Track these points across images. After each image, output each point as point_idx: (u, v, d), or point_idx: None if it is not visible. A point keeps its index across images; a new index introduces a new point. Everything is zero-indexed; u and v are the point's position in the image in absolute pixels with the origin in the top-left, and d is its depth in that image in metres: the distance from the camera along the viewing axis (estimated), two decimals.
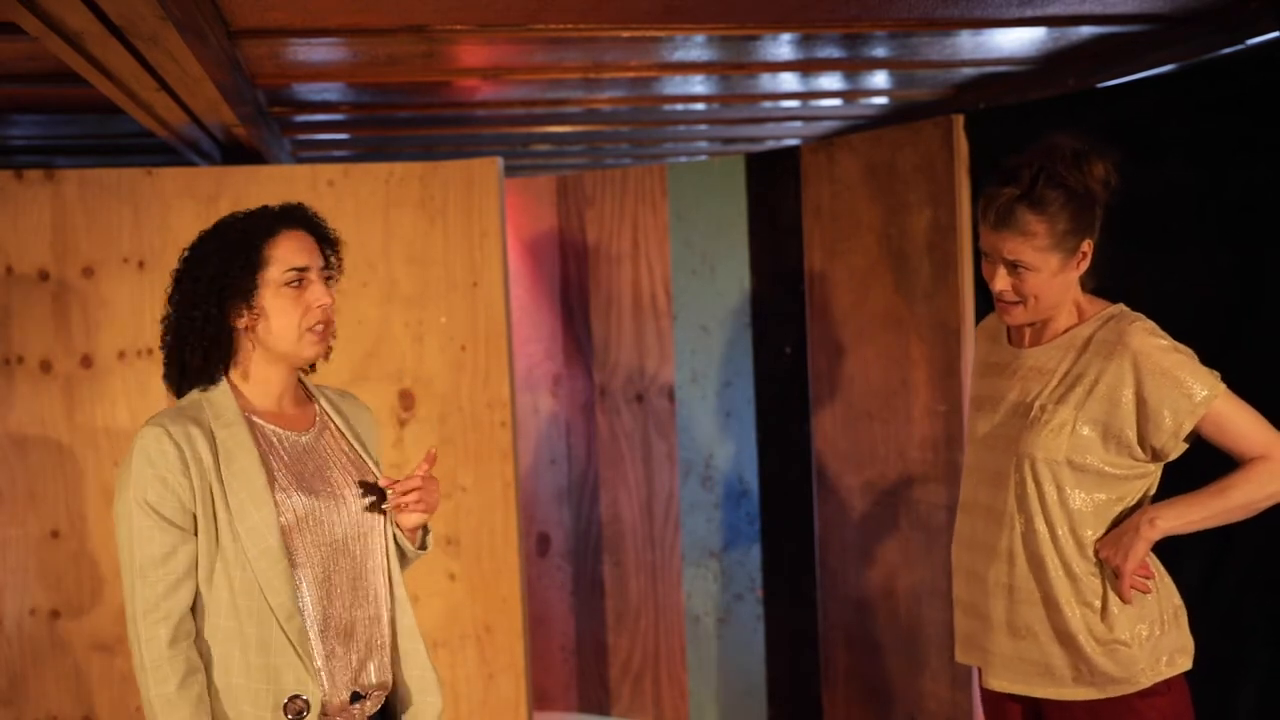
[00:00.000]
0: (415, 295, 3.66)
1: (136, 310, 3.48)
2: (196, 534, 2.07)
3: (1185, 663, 2.37)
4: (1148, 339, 2.30)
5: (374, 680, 2.19)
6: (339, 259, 2.25)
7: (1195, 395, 2.25)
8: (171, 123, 3.12)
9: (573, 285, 4.93)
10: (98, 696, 3.49)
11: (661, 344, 4.76)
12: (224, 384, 2.16)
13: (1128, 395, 2.29)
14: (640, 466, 4.83)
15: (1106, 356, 2.32)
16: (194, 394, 2.16)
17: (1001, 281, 2.36)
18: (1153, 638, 2.34)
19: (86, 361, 3.46)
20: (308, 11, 2.30)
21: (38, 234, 3.43)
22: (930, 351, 3.79)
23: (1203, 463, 2.31)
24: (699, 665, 4.80)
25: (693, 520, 4.76)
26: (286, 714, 2.06)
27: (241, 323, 2.14)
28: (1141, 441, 2.30)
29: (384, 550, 2.24)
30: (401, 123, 3.87)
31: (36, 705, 3.46)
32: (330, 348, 2.21)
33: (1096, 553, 2.35)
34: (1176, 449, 2.30)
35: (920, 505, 3.88)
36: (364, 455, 2.26)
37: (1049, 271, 2.33)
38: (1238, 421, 2.28)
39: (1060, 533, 2.35)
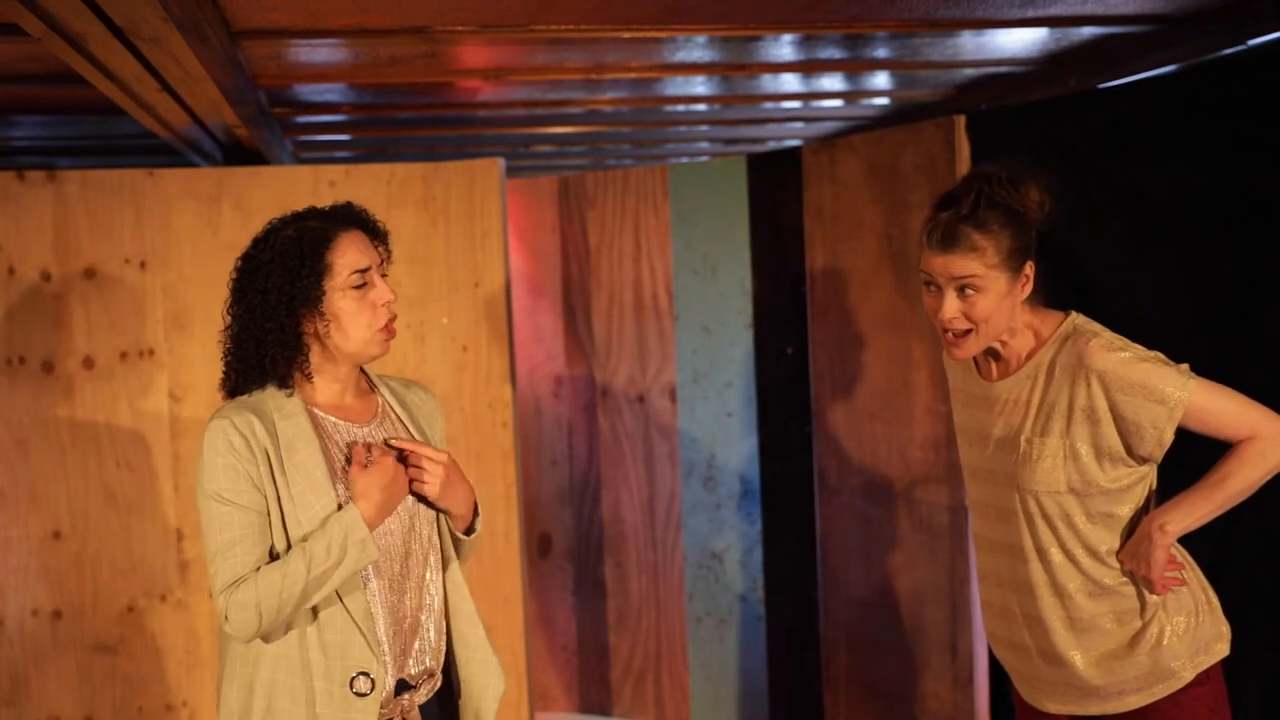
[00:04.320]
0: (417, 296, 3.66)
1: (138, 311, 3.48)
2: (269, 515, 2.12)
3: (1223, 649, 2.38)
4: (1108, 356, 2.28)
5: (422, 668, 2.23)
6: (388, 250, 2.29)
7: (1169, 400, 2.24)
8: (173, 123, 3.12)
9: (574, 286, 4.93)
10: (100, 697, 3.49)
11: (663, 344, 4.76)
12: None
13: (1105, 413, 2.28)
14: (642, 467, 4.83)
15: (1073, 381, 2.31)
16: (256, 390, 2.20)
17: (950, 308, 2.32)
18: (1190, 629, 2.34)
19: (88, 362, 3.46)
20: (309, 12, 2.30)
21: (39, 235, 3.43)
22: (932, 352, 3.79)
23: (1198, 444, 2.31)
24: (701, 666, 4.80)
25: (694, 521, 4.76)
26: (353, 689, 2.10)
27: (311, 329, 2.18)
28: (1130, 452, 2.30)
29: (433, 538, 2.28)
30: (403, 123, 3.87)
31: (38, 705, 3.46)
32: (391, 339, 2.25)
33: (1122, 563, 2.35)
34: (1164, 450, 2.31)
35: (922, 505, 3.88)
36: None
37: (997, 293, 2.31)
38: (1217, 410, 2.27)
39: (1079, 556, 2.35)
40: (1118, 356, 2.28)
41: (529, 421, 4.97)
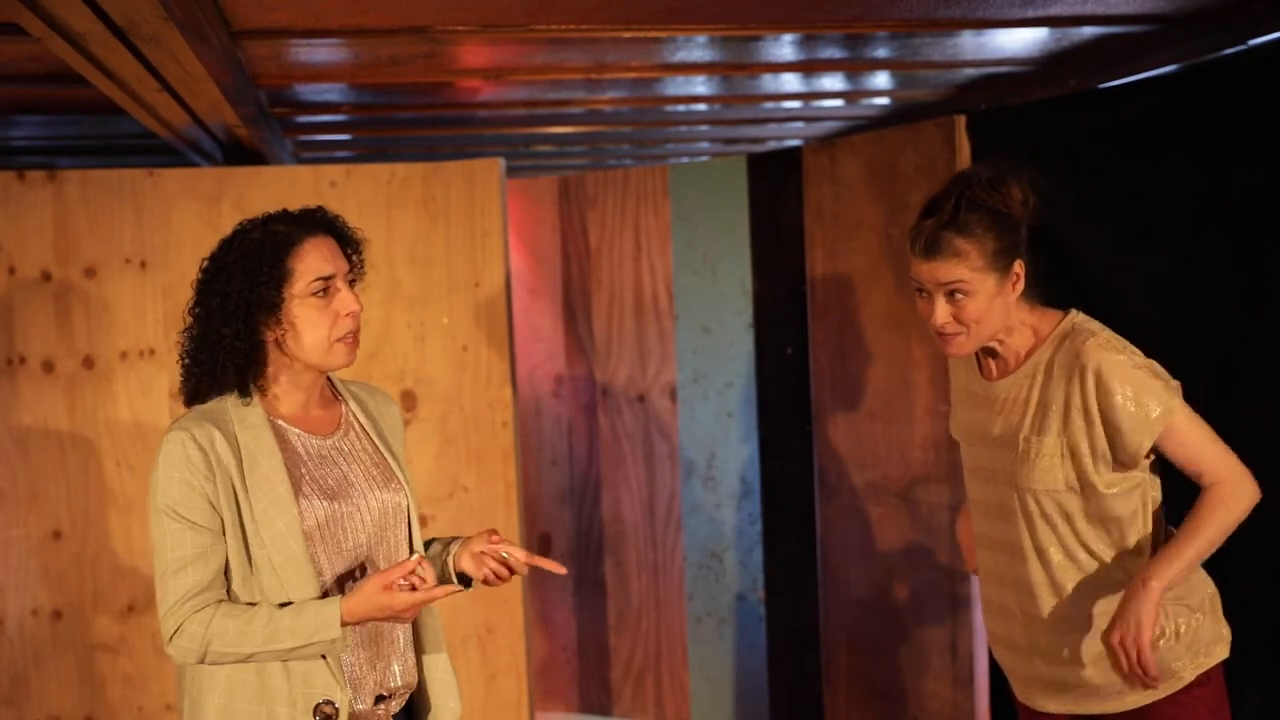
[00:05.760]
0: (417, 296, 3.66)
1: (138, 311, 3.48)
2: (225, 534, 2.06)
3: (1223, 651, 2.38)
4: (1104, 355, 2.28)
5: (398, 682, 2.20)
6: (361, 259, 2.22)
7: (1152, 412, 2.24)
8: (173, 123, 3.12)
9: (574, 285, 4.93)
10: (100, 696, 3.49)
11: (663, 344, 4.76)
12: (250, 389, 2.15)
13: (1096, 413, 2.28)
14: (642, 467, 4.83)
15: (1069, 379, 2.31)
16: (217, 399, 2.14)
17: (942, 314, 2.33)
18: (1191, 630, 2.34)
19: (89, 362, 3.46)
20: (309, 12, 2.30)
21: (40, 234, 3.43)
22: (932, 352, 3.79)
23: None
24: (701, 666, 4.80)
25: (694, 520, 4.76)
26: (316, 716, 2.06)
27: (271, 336, 2.11)
28: (1113, 454, 2.30)
29: (402, 549, 2.23)
30: (403, 123, 3.87)
31: (38, 705, 3.46)
32: (355, 350, 2.17)
33: (1106, 643, 2.27)
34: (1140, 462, 2.30)
35: (922, 505, 3.88)
36: (388, 456, 2.25)
37: (986, 294, 2.32)
38: (1192, 440, 2.27)
39: (1078, 556, 2.35)
40: (1113, 357, 2.28)
41: (529, 421, 4.97)
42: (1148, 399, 2.24)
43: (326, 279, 2.11)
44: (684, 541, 4.78)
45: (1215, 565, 2.47)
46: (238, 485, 2.05)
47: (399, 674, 2.20)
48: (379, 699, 2.17)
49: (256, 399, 2.13)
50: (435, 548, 2.32)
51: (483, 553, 2.23)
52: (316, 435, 2.18)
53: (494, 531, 2.27)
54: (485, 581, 2.25)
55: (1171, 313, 2.98)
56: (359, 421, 2.26)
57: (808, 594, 4.43)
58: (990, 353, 2.44)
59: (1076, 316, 2.39)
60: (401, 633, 2.22)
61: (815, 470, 4.35)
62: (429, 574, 2.06)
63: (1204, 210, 2.95)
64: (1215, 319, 2.92)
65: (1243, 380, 2.54)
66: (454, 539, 2.34)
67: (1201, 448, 2.28)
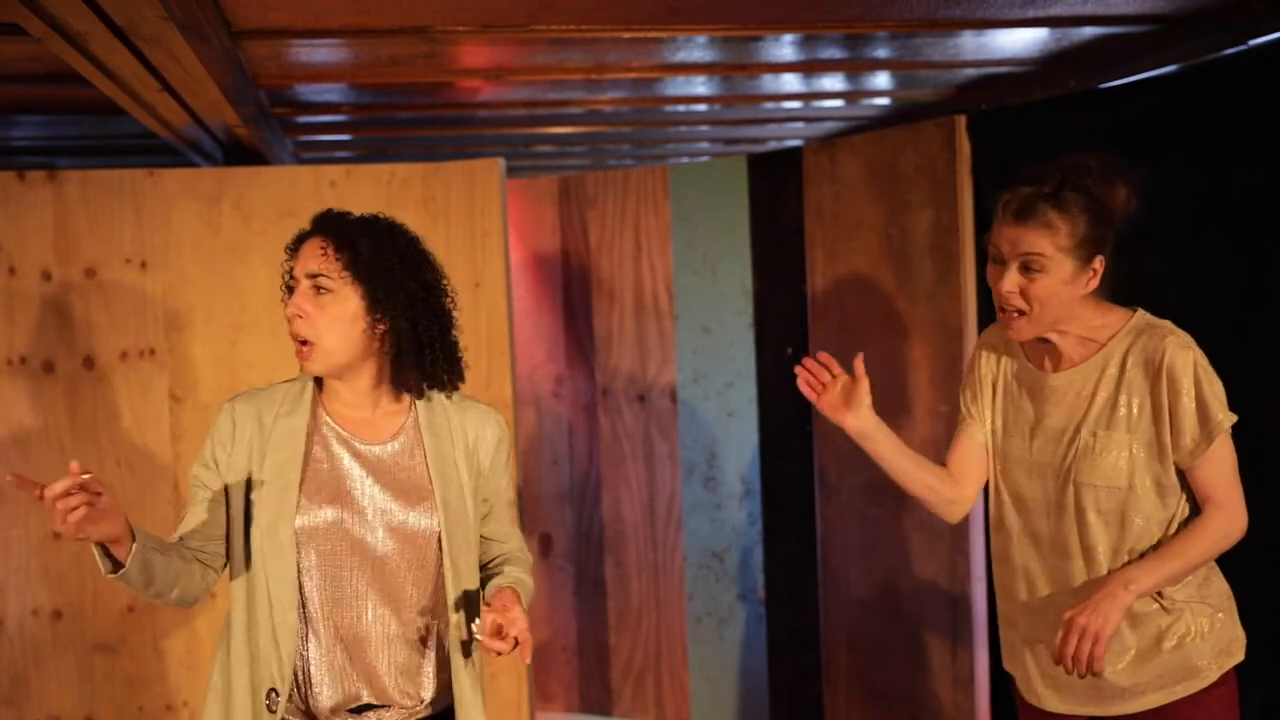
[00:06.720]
0: None
1: (139, 311, 3.48)
2: (229, 505, 2.17)
3: (1240, 652, 2.38)
4: (1182, 353, 2.28)
5: (394, 696, 2.18)
6: (359, 257, 2.18)
7: (1215, 415, 2.25)
8: (173, 123, 3.12)
9: (575, 286, 4.93)
10: (100, 697, 3.49)
11: (663, 344, 4.76)
12: (309, 380, 2.23)
13: (1165, 409, 2.28)
14: (642, 467, 4.83)
15: (1145, 374, 2.30)
16: (286, 380, 2.27)
17: (1010, 282, 2.31)
18: (1214, 630, 2.34)
19: (89, 362, 3.46)
20: (310, 12, 2.30)
21: (40, 235, 3.43)
22: (932, 352, 3.79)
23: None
24: (701, 666, 4.80)
25: (695, 521, 4.76)
26: (266, 699, 2.13)
27: None
28: (1174, 452, 2.31)
29: (432, 572, 2.19)
30: (403, 123, 3.87)
31: (38, 705, 3.46)
32: (309, 359, 2.15)
33: (1069, 619, 2.26)
34: (1188, 463, 2.31)
35: (922, 505, 3.87)
36: (435, 477, 2.19)
37: (1060, 277, 2.29)
38: (1219, 463, 2.29)
39: (1122, 555, 2.34)
40: (1188, 355, 2.28)
41: (529, 421, 4.97)
42: (1211, 403, 2.26)
43: (295, 281, 2.19)
44: (684, 541, 4.78)
45: (1217, 565, 2.48)
46: (255, 466, 2.14)
47: (395, 689, 2.17)
48: (365, 708, 2.16)
49: (309, 386, 2.22)
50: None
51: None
52: (360, 439, 2.19)
53: (512, 595, 2.16)
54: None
55: (1171, 313, 2.97)
56: (422, 436, 2.22)
57: (808, 594, 4.43)
58: (1045, 344, 2.41)
59: (1146, 314, 2.38)
60: (406, 649, 2.18)
61: (815, 470, 4.35)
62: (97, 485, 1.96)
63: (1204, 210, 2.95)
64: (1215, 319, 2.92)
65: (1243, 380, 2.53)
66: (491, 586, 2.28)
67: (1226, 474, 2.30)
